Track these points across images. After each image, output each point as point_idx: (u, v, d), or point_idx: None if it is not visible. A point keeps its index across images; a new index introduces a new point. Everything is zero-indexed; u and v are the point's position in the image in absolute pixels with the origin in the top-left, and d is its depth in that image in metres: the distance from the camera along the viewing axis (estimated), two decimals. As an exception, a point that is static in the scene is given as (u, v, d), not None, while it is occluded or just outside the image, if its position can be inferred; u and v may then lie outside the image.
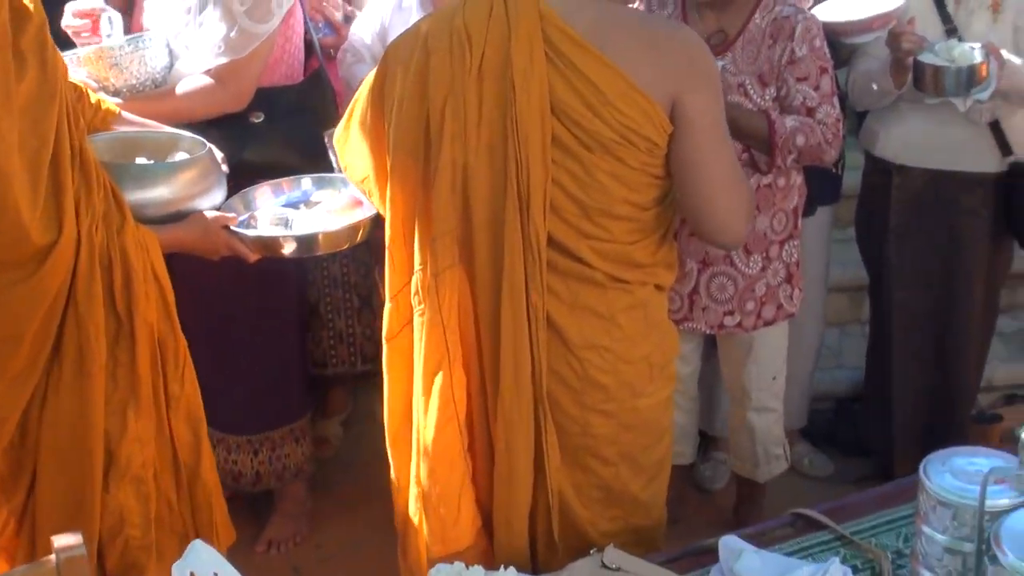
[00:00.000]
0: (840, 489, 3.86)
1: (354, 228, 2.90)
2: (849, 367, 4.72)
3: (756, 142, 3.24)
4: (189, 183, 2.80)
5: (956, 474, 1.95)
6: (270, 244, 2.89)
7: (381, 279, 2.61)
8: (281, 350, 3.78)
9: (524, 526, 2.42)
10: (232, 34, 3.28)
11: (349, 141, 2.57)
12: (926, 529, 1.95)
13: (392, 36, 2.55)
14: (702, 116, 2.31)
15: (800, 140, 3.22)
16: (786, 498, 2.55)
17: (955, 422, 3.85)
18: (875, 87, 3.62)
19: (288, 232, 2.92)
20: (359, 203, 2.91)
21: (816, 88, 3.28)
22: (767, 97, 3.30)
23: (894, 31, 3.44)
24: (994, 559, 1.76)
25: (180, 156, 2.90)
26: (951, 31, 3.53)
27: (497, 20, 2.29)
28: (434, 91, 2.32)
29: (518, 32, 2.27)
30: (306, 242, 2.90)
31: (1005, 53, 3.42)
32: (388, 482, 2.61)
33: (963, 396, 3.98)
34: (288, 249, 2.89)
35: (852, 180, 4.11)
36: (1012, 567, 1.72)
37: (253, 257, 2.88)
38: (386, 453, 2.59)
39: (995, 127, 3.63)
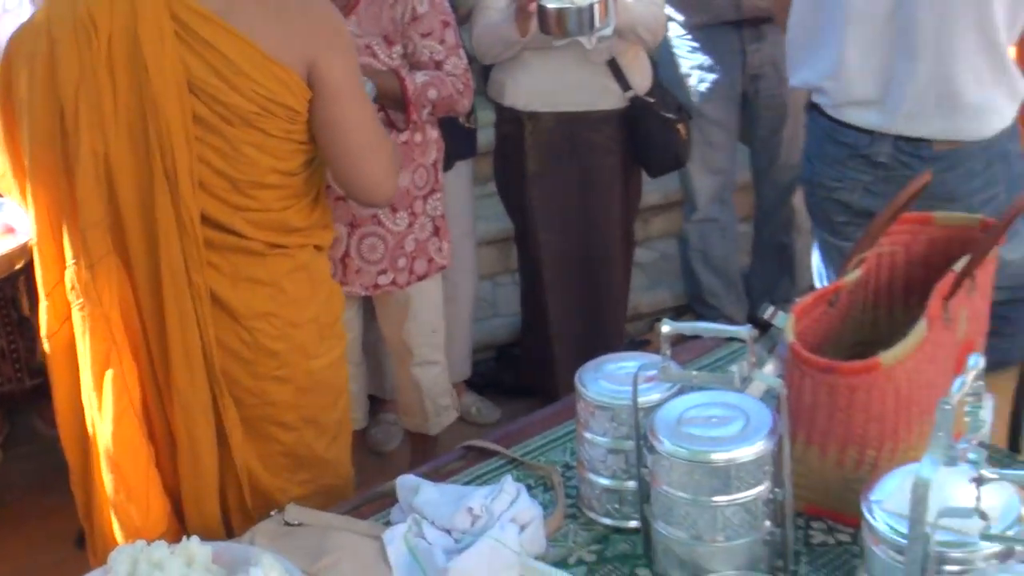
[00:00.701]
0: (510, 432, 3.98)
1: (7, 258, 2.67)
2: (505, 315, 4.86)
3: (390, 100, 3.29)
4: None
5: (609, 379, 2.04)
6: None
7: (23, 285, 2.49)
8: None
9: (215, 505, 2.40)
10: None
11: None
12: (588, 435, 2.04)
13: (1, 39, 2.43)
14: (338, 78, 2.32)
15: (432, 93, 3.29)
16: (458, 448, 2.68)
17: (609, 351, 4.02)
18: (499, 39, 3.73)
19: None
20: (11, 230, 2.74)
21: (441, 42, 3.36)
22: (394, 56, 3.34)
23: None
24: (652, 449, 1.85)
25: None
26: (561, -23, 3.67)
27: (121, 2, 2.22)
28: (64, 81, 2.24)
29: (144, 12, 2.21)
30: None
31: None
32: (60, 494, 2.52)
33: (614, 326, 4.18)
34: None
35: (486, 137, 4.23)
36: (669, 453, 1.82)
37: None
38: (53, 467, 2.49)
39: (613, 65, 3.81)
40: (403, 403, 3.94)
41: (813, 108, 3.08)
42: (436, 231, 3.60)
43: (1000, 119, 2.94)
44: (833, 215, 3.05)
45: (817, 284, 3.17)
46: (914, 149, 2.90)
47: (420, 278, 3.60)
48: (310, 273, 2.46)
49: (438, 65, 3.36)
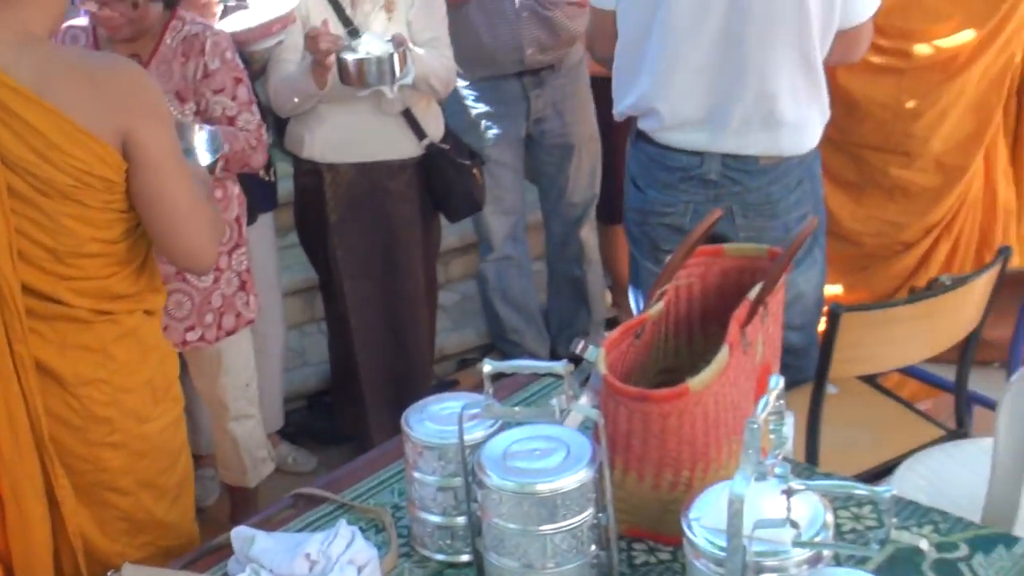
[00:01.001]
0: (327, 479, 4.02)
1: None
2: (313, 364, 4.89)
3: (184, 157, 3.30)
4: None
5: (434, 419, 2.12)
6: None
7: None
8: None
9: (48, 573, 2.37)
10: None
11: None
12: (417, 475, 2.11)
13: None
14: (154, 148, 2.30)
15: (225, 148, 3.32)
16: (279, 498, 2.67)
17: (420, 393, 4.10)
18: (296, 92, 3.78)
19: None
20: None
21: (234, 98, 3.41)
22: (187, 112, 3.38)
23: (311, 34, 3.62)
24: (481, 484, 1.93)
25: None
26: (353, 32, 3.75)
27: None
28: None
29: None
30: None
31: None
32: None
33: (421, 368, 4.25)
34: None
35: (285, 188, 4.27)
36: (497, 487, 1.90)
37: None
38: None
39: (408, 115, 3.91)
40: (221, 457, 3.94)
41: (639, 137, 3.20)
42: (243, 285, 3.62)
43: (812, 136, 3.13)
44: (661, 243, 3.16)
45: (635, 313, 3.28)
46: (741, 165, 3.05)
47: (229, 333, 3.61)
48: (139, 338, 2.45)
49: (231, 121, 3.40)
